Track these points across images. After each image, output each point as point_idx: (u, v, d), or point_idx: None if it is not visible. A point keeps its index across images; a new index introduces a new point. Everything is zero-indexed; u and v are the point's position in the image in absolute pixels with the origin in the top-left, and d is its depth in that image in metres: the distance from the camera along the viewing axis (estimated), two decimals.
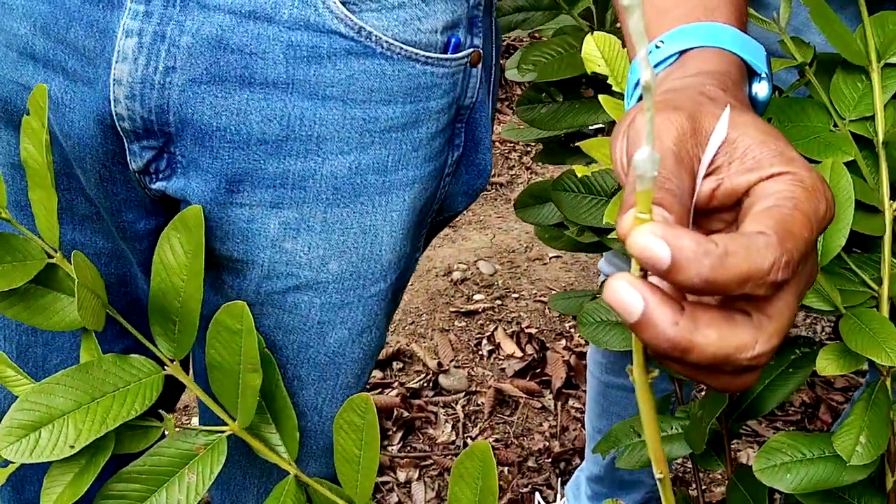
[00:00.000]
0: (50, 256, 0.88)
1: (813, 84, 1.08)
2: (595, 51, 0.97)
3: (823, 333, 2.78)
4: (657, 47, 0.66)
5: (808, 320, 2.83)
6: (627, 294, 0.47)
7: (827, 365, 1.00)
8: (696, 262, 0.45)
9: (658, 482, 0.58)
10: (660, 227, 0.46)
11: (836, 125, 1.06)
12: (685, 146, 0.53)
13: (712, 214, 0.55)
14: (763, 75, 0.67)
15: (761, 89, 0.67)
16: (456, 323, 2.79)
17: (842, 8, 1.23)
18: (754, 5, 1.30)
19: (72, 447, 0.83)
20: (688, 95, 0.57)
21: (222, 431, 0.93)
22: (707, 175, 0.53)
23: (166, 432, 0.91)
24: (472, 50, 0.93)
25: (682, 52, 0.65)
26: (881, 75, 1.05)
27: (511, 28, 1.29)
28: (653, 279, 0.49)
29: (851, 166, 1.02)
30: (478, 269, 3.01)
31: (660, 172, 0.51)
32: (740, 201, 0.53)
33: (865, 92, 1.06)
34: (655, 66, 0.66)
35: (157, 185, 0.95)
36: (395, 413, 2.46)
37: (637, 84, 0.67)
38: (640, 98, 0.66)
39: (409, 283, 1.10)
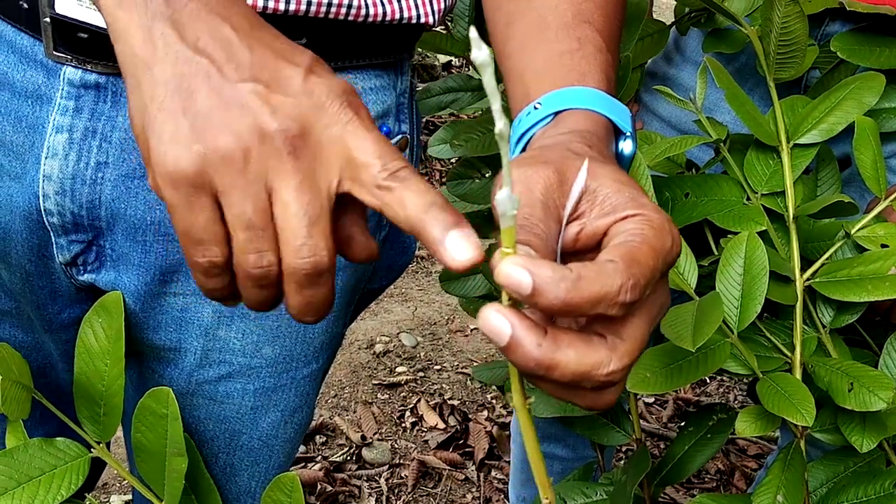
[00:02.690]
0: None
1: (727, 159, 1.14)
2: None
3: (736, 402, 2.84)
4: (535, 108, 0.72)
5: (722, 389, 2.90)
6: (497, 321, 0.52)
7: (746, 427, 1.04)
8: (554, 286, 0.51)
9: None
10: (522, 259, 0.51)
11: (748, 199, 1.12)
12: (552, 196, 0.59)
13: (580, 255, 0.60)
14: (628, 134, 0.73)
15: (627, 146, 0.74)
16: (379, 395, 2.80)
17: (751, 90, 1.30)
18: (671, 85, 1.37)
19: None
20: (556, 151, 0.63)
21: None
22: (572, 221, 0.59)
23: None
24: (400, 136, 0.96)
25: (556, 113, 0.72)
26: (791, 155, 1.11)
27: (441, 108, 1.33)
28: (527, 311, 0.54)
29: (764, 238, 1.07)
30: (400, 341, 3.03)
31: (528, 219, 0.57)
32: (601, 242, 0.59)
33: (776, 169, 1.12)
34: (535, 124, 0.72)
35: (86, 277, 0.93)
36: (319, 487, 2.45)
37: (519, 139, 0.73)
38: (523, 149, 0.73)
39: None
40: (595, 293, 0.51)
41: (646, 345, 0.56)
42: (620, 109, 0.73)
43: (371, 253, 0.62)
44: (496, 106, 0.48)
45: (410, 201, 0.56)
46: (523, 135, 0.73)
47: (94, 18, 0.81)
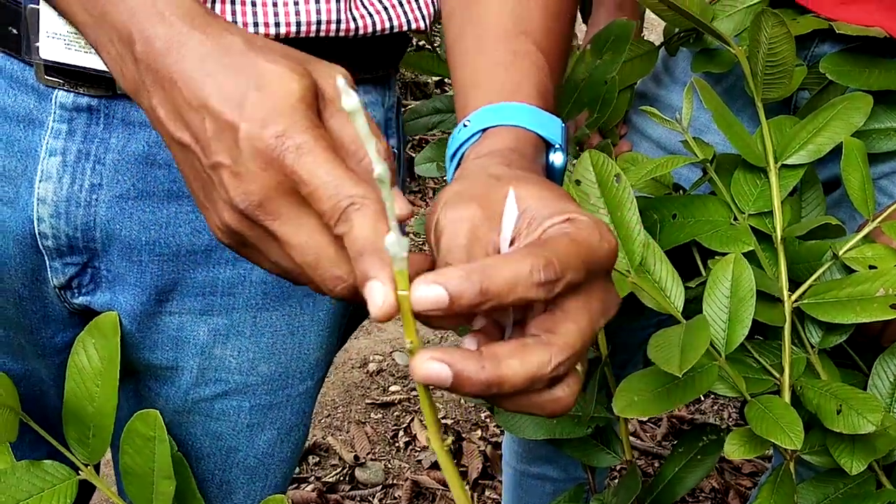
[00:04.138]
0: None
1: (714, 179, 1.13)
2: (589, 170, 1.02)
3: (731, 419, 2.84)
4: (465, 126, 0.73)
5: (716, 406, 2.90)
6: (434, 367, 0.52)
7: (735, 449, 1.04)
8: (468, 283, 0.52)
9: None
10: (429, 276, 0.52)
11: (736, 219, 1.12)
12: (478, 235, 0.59)
13: None
14: (557, 146, 0.73)
15: (557, 158, 0.74)
16: (372, 415, 2.79)
17: (740, 110, 1.30)
18: (660, 106, 1.37)
19: None
20: (478, 181, 0.63)
21: None
22: (509, 247, 0.60)
23: None
24: None
25: (485, 129, 0.72)
26: (779, 175, 1.11)
27: (429, 129, 1.34)
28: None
29: (751, 258, 1.07)
30: (393, 360, 3.02)
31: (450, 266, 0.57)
32: None
33: (763, 189, 1.12)
34: (464, 142, 0.72)
35: (80, 300, 0.93)
36: None
37: (453, 156, 0.74)
38: (457, 166, 0.73)
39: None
40: (507, 277, 0.52)
41: (588, 339, 0.57)
42: (550, 122, 0.73)
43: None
44: (371, 151, 0.49)
45: (349, 247, 0.57)
46: (456, 151, 0.73)
47: (82, 60, 0.82)
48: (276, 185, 0.58)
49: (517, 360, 0.54)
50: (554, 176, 0.73)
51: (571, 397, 0.57)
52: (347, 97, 0.48)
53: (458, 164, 0.73)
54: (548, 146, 0.73)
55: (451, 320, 0.55)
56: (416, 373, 0.52)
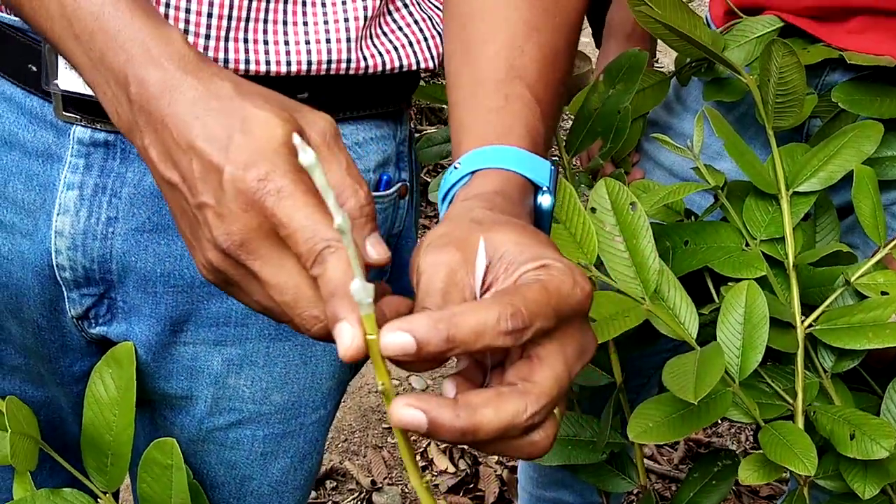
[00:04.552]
0: None
1: (726, 206, 1.15)
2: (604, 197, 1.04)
3: (748, 442, 2.83)
4: (455, 168, 0.74)
5: (733, 430, 2.89)
6: (410, 413, 0.54)
7: (749, 475, 1.05)
8: (435, 331, 0.53)
9: None
10: (396, 322, 0.54)
11: (747, 244, 1.13)
12: (455, 279, 0.60)
13: None
14: (544, 188, 0.74)
15: (545, 200, 0.74)
16: (389, 439, 2.80)
17: (753, 138, 1.31)
18: (672, 134, 1.38)
19: None
20: (459, 226, 0.64)
21: None
22: (485, 292, 0.61)
23: None
24: (400, 184, 0.98)
25: (474, 172, 0.73)
26: (790, 202, 1.12)
27: (443, 157, 1.35)
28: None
29: (763, 284, 1.08)
30: (410, 384, 3.03)
31: (427, 308, 0.59)
32: None
33: (775, 215, 1.13)
34: (454, 183, 0.74)
35: (97, 330, 0.95)
36: None
37: (444, 197, 0.75)
38: (450, 202, 0.74)
39: (342, 400, 1.13)
40: (474, 325, 0.54)
41: (565, 385, 0.58)
42: (538, 165, 0.74)
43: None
44: (331, 202, 0.51)
45: (322, 288, 0.58)
46: (447, 193, 0.74)
47: None
48: (256, 227, 0.60)
49: (492, 410, 0.55)
50: (541, 217, 0.74)
51: (548, 440, 0.58)
52: (303, 153, 0.50)
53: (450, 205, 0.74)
54: (536, 188, 0.74)
55: (421, 364, 0.56)
56: (393, 418, 0.54)
